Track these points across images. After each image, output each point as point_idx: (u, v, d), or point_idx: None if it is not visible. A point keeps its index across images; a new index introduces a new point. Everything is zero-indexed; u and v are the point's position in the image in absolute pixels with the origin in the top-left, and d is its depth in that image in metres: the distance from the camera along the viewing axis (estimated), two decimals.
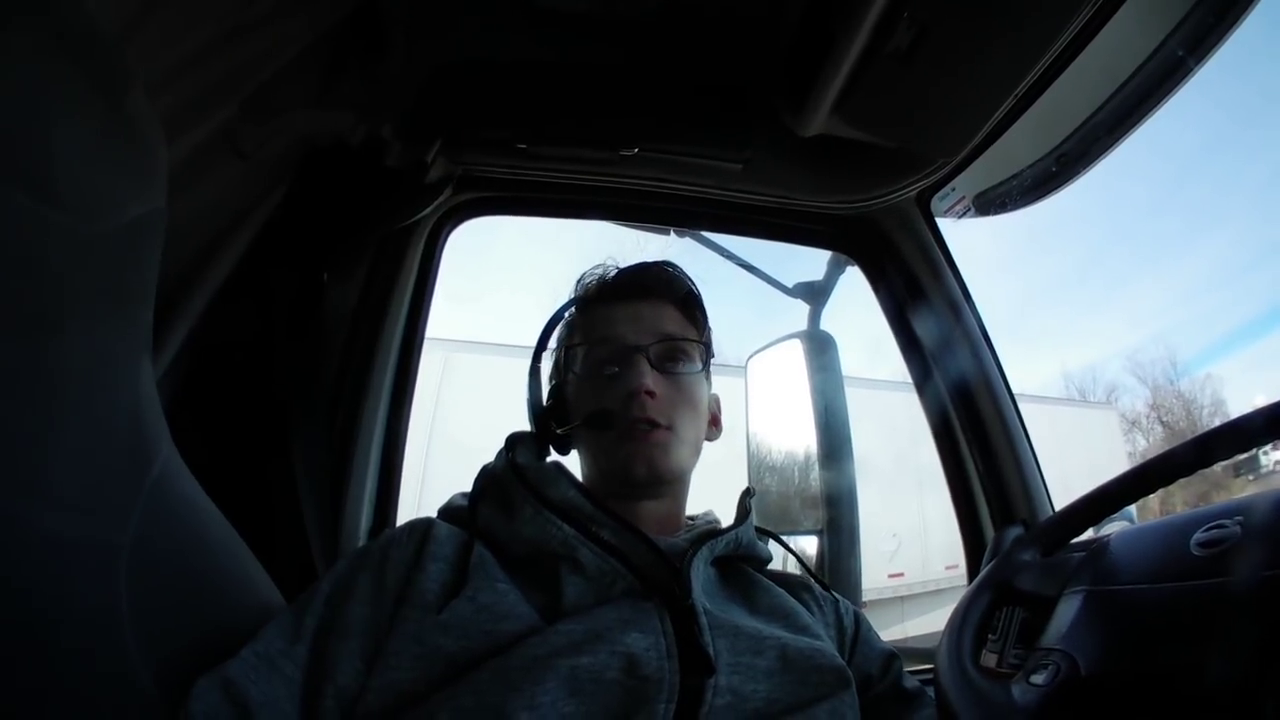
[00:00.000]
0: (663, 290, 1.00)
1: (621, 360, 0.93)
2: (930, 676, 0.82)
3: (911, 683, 0.89)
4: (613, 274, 1.03)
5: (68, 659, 0.55)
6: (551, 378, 1.04)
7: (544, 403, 1.02)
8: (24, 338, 0.53)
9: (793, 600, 0.89)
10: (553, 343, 1.05)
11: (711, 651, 0.71)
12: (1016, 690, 0.70)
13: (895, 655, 0.92)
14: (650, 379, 0.90)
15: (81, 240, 0.57)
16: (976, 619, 0.87)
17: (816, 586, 0.95)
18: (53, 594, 0.54)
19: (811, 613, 0.89)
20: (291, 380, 1.10)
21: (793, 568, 1.12)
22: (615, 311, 0.97)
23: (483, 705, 0.62)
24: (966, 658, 0.81)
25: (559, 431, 0.97)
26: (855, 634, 0.92)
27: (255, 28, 0.89)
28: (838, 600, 0.95)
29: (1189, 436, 0.75)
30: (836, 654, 0.80)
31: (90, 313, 0.60)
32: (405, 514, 1.30)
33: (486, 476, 0.89)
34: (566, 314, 1.05)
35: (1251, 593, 0.59)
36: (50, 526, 0.54)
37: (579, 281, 1.05)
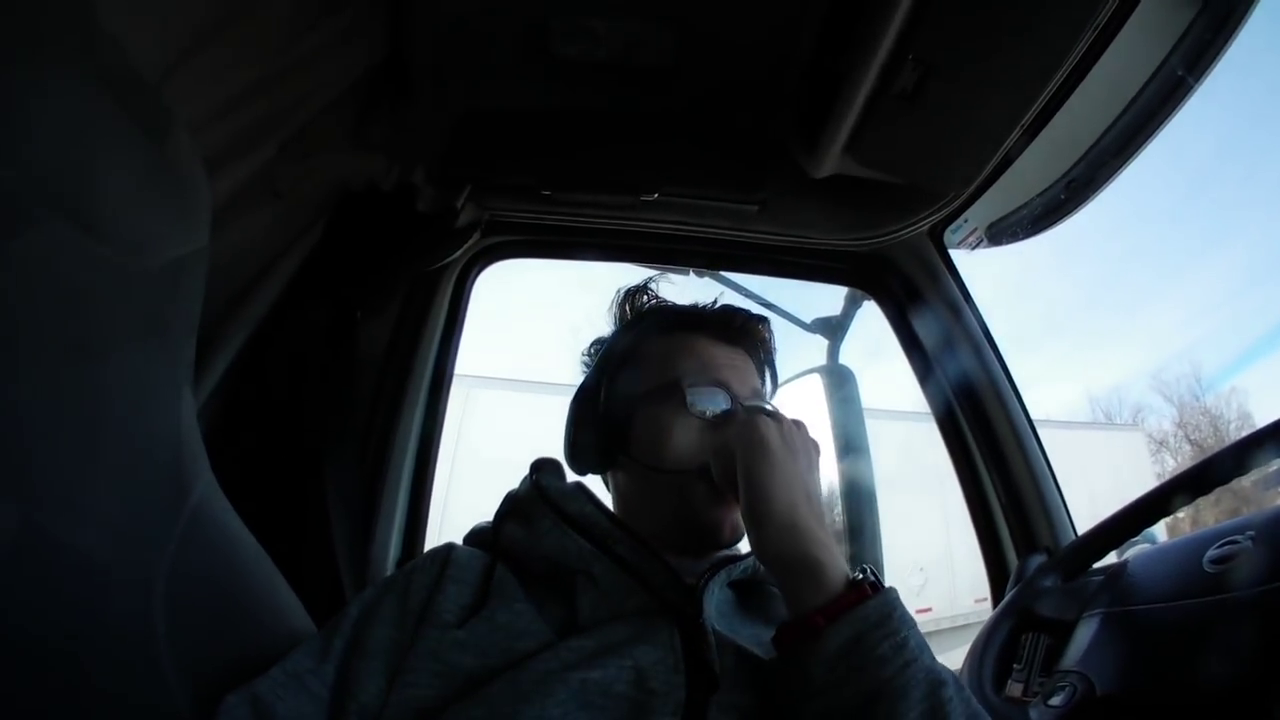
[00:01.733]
0: (757, 347, 1.00)
1: (729, 410, 0.90)
2: None
3: None
4: (714, 309, 1.02)
5: (103, 678, 0.57)
6: (614, 381, 0.97)
7: (587, 420, 0.97)
8: (68, 366, 0.56)
9: None
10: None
11: (718, 669, 0.71)
12: (1035, 714, 0.70)
13: None
14: None
15: (126, 275, 0.61)
16: (998, 646, 0.87)
17: None
18: (91, 612, 0.56)
19: None
20: (325, 414, 1.14)
21: None
22: (718, 354, 0.95)
23: (494, 715, 0.63)
24: (987, 684, 0.81)
25: (662, 473, 0.88)
26: None
27: (292, 73, 0.94)
28: None
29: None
30: None
31: (133, 344, 0.63)
32: (428, 544, 1.33)
33: (511, 499, 0.92)
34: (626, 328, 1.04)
35: (1259, 604, 0.60)
36: (91, 548, 0.56)
37: (638, 292, 1.07)
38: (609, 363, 0.99)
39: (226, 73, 0.84)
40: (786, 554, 0.69)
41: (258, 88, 0.89)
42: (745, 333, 0.99)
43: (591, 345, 1.08)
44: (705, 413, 0.89)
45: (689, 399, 0.89)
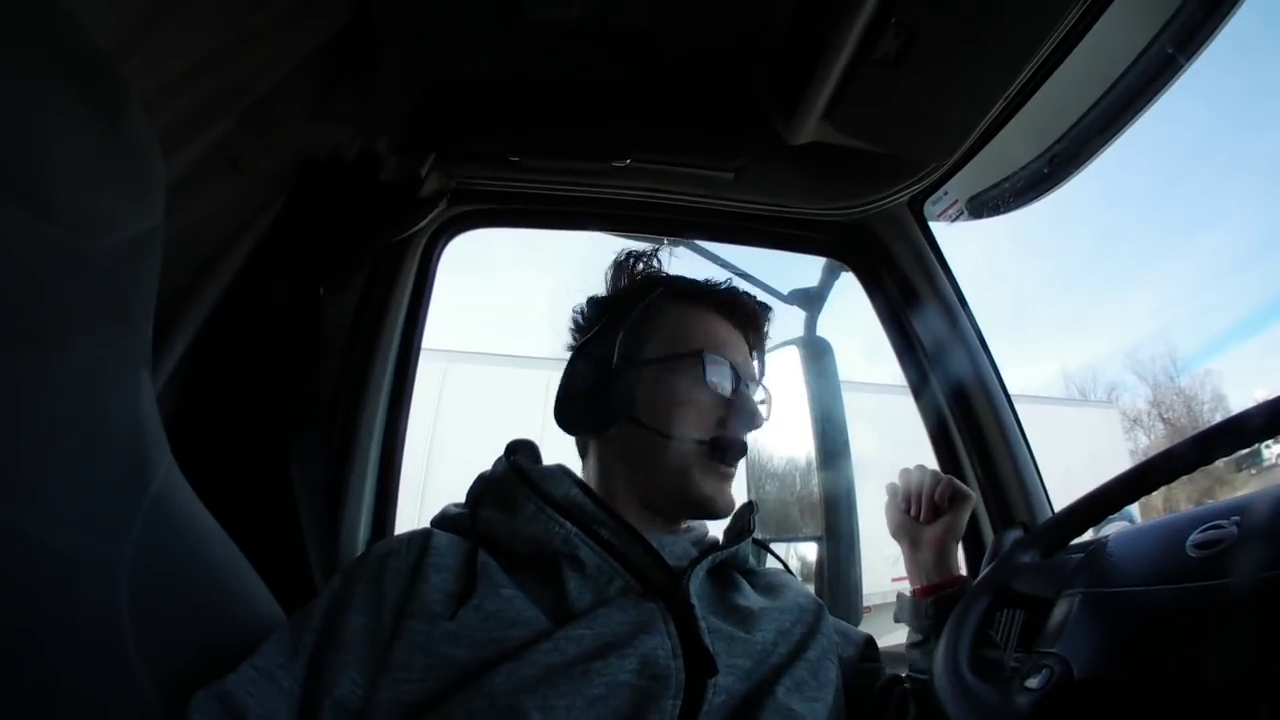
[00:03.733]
0: (757, 332, 1.04)
1: (737, 387, 0.94)
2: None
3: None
4: (724, 287, 1.03)
5: (70, 670, 0.56)
6: (609, 344, 0.95)
7: (588, 379, 0.95)
8: (22, 352, 0.54)
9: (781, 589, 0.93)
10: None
11: (713, 652, 0.73)
12: (1011, 694, 0.70)
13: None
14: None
15: (79, 256, 0.58)
16: (974, 623, 0.87)
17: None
18: (54, 606, 0.55)
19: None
20: (289, 393, 1.11)
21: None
22: (725, 330, 0.99)
23: (495, 706, 0.63)
24: (963, 661, 0.81)
25: (670, 438, 0.89)
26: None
27: (252, 42, 0.90)
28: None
29: (1190, 433, 0.75)
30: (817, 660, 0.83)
31: (89, 328, 0.61)
32: (405, 526, 1.31)
33: (485, 481, 0.90)
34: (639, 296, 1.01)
35: (1246, 594, 0.59)
36: (51, 539, 0.55)
37: (641, 257, 1.08)
38: (614, 323, 0.98)
39: (183, 43, 0.80)
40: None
41: (216, 58, 0.86)
42: (752, 317, 1.03)
43: (587, 304, 1.07)
44: (718, 388, 0.92)
45: (708, 373, 0.92)
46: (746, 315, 1.02)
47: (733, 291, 1.03)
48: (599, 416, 0.94)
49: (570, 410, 0.96)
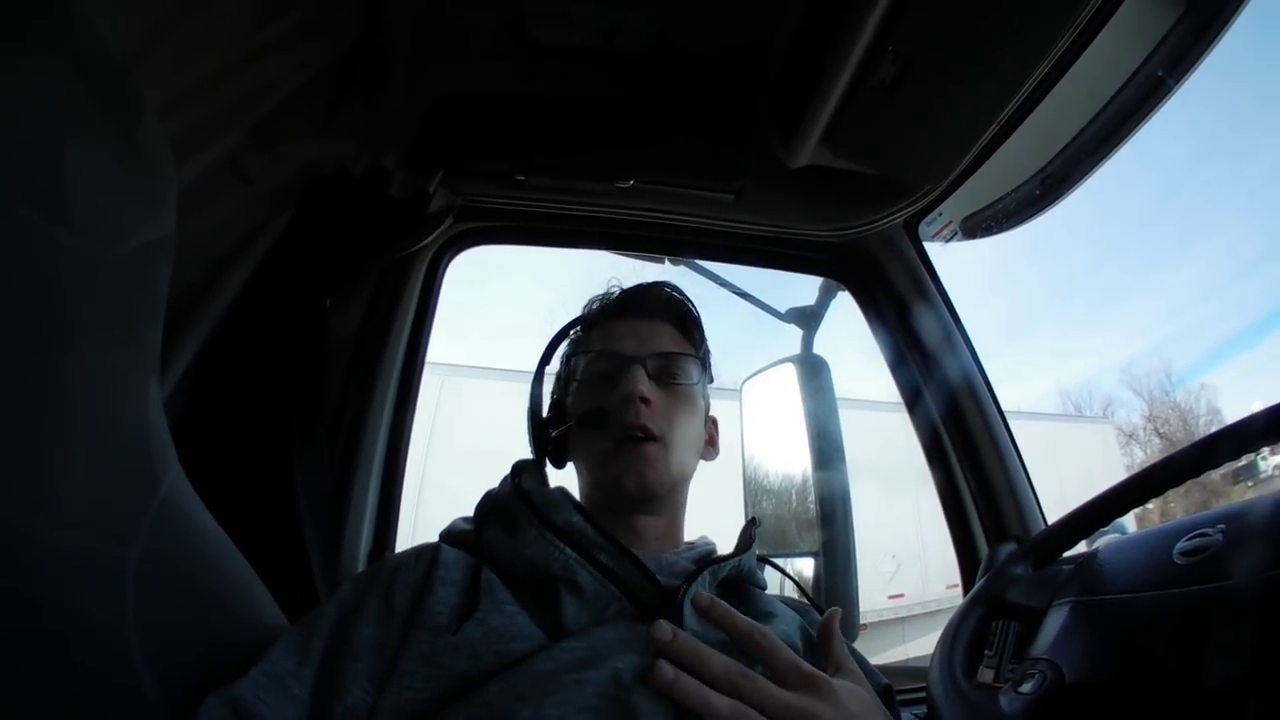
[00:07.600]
0: (660, 309, 1.05)
1: (619, 370, 0.96)
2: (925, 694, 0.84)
3: None
4: (616, 294, 1.08)
5: (76, 672, 0.56)
6: (554, 392, 1.09)
7: (544, 412, 1.06)
8: (31, 355, 0.54)
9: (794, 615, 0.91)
10: (556, 363, 1.10)
11: None
12: (1004, 700, 0.71)
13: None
14: (646, 386, 0.93)
15: (91, 262, 0.59)
16: (968, 634, 0.88)
17: (815, 614, 0.96)
18: (62, 608, 0.55)
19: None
20: (294, 404, 1.12)
21: (790, 591, 1.13)
22: (616, 327, 1.02)
23: (492, 714, 0.63)
24: (958, 670, 0.82)
25: (554, 433, 1.01)
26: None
27: (262, 56, 0.91)
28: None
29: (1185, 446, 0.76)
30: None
31: (99, 334, 0.60)
32: (403, 529, 1.32)
33: (491, 501, 0.92)
34: (572, 332, 1.10)
35: (1230, 598, 0.61)
36: (59, 542, 0.55)
37: (587, 304, 1.11)
38: (540, 371, 1.09)
39: (195, 56, 0.81)
40: None
41: (227, 72, 0.87)
42: (635, 303, 1.07)
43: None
44: (599, 376, 0.99)
45: (581, 367, 1.02)
46: (634, 303, 1.06)
47: (622, 293, 1.10)
48: (554, 454, 1.03)
49: (541, 449, 1.04)
